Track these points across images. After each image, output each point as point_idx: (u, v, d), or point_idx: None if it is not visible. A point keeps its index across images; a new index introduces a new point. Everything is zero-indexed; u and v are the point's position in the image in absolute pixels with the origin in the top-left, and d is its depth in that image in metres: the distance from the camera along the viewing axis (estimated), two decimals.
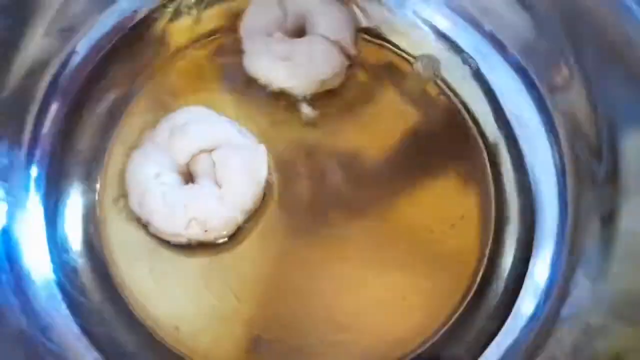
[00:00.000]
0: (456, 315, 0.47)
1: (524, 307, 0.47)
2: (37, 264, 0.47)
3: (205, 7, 0.55)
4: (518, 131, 0.52)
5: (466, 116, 0.52)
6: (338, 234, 0.48)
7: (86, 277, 0.47)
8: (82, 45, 0.52)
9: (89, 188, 0.49)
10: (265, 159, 0.48)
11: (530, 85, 0.51)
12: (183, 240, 0.46)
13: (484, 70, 0.53)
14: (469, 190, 0.50)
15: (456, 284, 0.48)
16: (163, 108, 0.50)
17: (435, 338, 0.46)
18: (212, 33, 0.54)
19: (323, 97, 0.51)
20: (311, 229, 0.48)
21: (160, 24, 0.54)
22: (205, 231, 0.46)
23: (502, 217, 0.50)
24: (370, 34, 0.54)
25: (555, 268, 0.48)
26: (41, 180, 0.49)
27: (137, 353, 0.46)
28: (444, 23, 0.54)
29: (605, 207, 0.44)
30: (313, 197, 0.49)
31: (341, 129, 0.51)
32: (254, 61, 0.51)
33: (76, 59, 0.51)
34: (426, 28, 0.55)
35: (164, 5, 0.54)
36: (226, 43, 0.54)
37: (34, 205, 0.48)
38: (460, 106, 0.52)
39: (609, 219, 0.44)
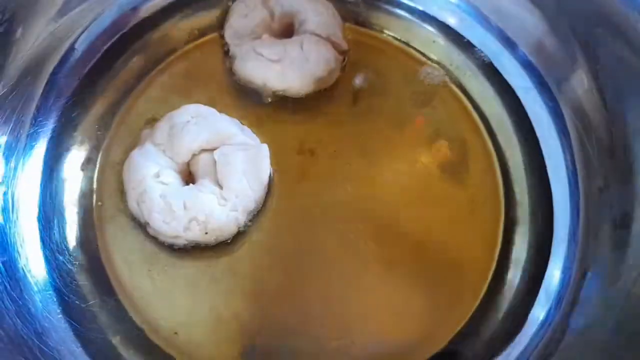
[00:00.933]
0: (464, 321, 0.46)
1: (535, 312, 0.46)
2: (32, 266, 0.46)
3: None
4: (529, 131, 0.51)
5: (475, 115, 0.52)
6: (341, 236, 0.47)
7: (82, 279, 0.46)
8: (81, 43, 0.51)
9: (87, 188, 0.48)
10: (268, 158, 0.47)
11: (541, 84, 0.51)
12: (182, 242, 0.45)
13: (495, 68, 0.53)
14: (479, 192, 0.49)
15: (463, 290, 0.47)
16: (163, 107, 0.50)
17: (443, 345, 0.45)
18: (212, 32, 0.53)
19: (323, 97, 0.51)
20: (313, 232, 0.47)
21: (160, 23, 0.54)
22: (206, 233, 0.45)
23: (513, 219, 0.49)
24: (376, 31, 0.54)
25: (566, 272, 0.47)
26: (38, 178, 0.48)
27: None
28: (453, 20, 0.54)
29: (618, 210, 0.44)
30: (315, 199, 0.48)
31: (344, 129, 0.50)
32: (245, 67, 0.50)
33: (75, 56, 0.51)
34: (435, 25, 0.54)
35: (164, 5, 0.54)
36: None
37: (30, 205, 0.47)
38: (469, 105, 0.52)
39: (621, 223, 0.43)
